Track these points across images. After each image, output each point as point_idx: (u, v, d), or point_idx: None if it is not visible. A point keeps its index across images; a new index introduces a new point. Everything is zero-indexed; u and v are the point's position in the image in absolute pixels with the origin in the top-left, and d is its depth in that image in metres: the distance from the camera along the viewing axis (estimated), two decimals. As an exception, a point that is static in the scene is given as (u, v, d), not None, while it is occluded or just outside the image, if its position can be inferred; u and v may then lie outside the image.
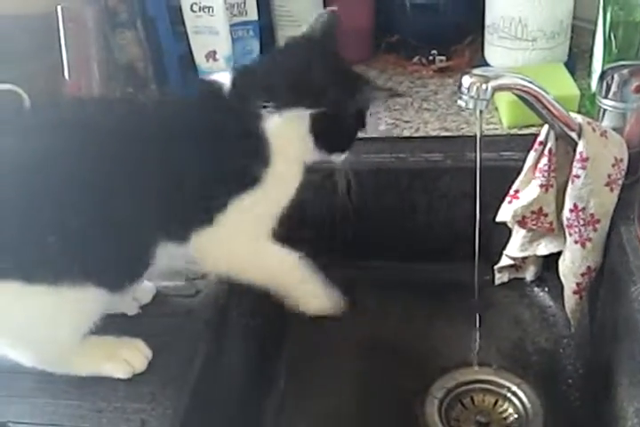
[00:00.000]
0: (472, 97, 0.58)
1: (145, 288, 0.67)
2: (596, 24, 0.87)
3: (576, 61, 0.99)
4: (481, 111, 0.60)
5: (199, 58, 0.98)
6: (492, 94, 0.58)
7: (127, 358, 0.59)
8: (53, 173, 0.52)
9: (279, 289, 0.62)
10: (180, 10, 0.95)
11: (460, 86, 0.59)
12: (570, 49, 0.99)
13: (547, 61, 0.94)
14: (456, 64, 1.01)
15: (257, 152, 0.59)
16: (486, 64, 0.98)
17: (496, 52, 0.96)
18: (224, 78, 0.61)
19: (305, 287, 0.64)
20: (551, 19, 0.93)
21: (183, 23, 0.96)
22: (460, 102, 0.59)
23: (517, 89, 0.61)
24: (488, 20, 0.96)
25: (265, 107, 0.58)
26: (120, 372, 0.59)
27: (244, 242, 0.61)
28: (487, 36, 0.98)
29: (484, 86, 0.58)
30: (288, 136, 0.60)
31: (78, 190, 0.52)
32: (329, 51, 0.63)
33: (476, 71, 0.59)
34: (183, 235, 0.58)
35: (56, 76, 0.93)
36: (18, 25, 0.94)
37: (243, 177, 0.58)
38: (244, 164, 0.58)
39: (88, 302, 0.55)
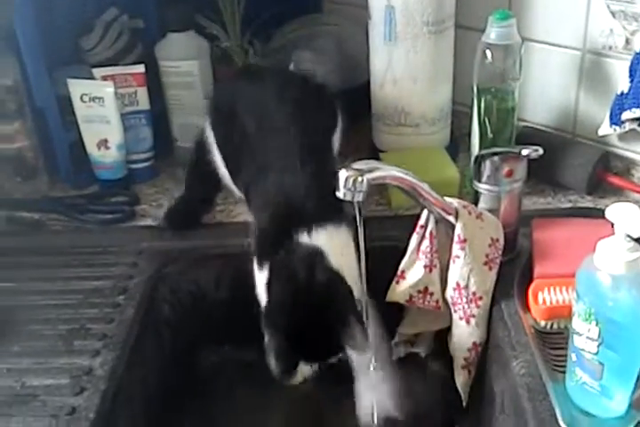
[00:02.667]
0: (349, 189, 0.61)
1: None
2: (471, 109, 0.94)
3: (458, 144, 1.06)
4: (358, 202, 0.63)
5: (90, 146, 0.98)
6: (368, 186, 0.62)
7: None
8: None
9: None
10: (70, 100, 0.97)
11: (337, 180, 0.62)
12: (452, 132, 1.06)
13: (430, 145, 1.00)
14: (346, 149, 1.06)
15: None
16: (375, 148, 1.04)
17: (383, 137, 1.02)
18: None
19: None
20: (431, 107, 0.99)
21: (73, 112, 0.97)
22: (338, 194, 0.62)
23: (392, 180, 0.65)
24: (374, 109, 1.02)
25: None
26: None
27: None
28: (374, 123, 1.03)
29: (359, 179, 0.61)
30: None
31: None
32: None
33: (354, 165, 0.62)
34: None
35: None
36: None
37: None
38: None
39: None
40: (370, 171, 0.62)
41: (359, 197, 0.62)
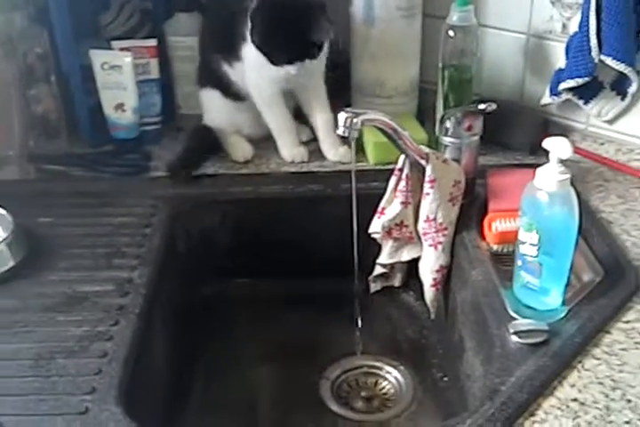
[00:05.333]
0: (347, 127, 0.78)
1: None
2: (437, 84, 1.12)
3: (424, 114, 1.23)
4: (354, 138, 0.80)
5: (108, 109, 1.13)
6: (362, 125, 0.78)
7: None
8: None
9: None
10: (91, 68, 1.11)
11: (337, 120, 0.78)
12: (419, 105, 1.24)
13: (402, 114, 1.17)
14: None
15: None
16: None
17: (360, 106, 1.18)
18: None
19: None
20: (403, 80, 1.17)
21: (93, 79, 1.12)
22: (337, 132, 0.79)
23: (379, 123, 0.82)
24: (353, 81, 1.19)
25: None
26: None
27: None
28: (353, 94, 1.20)
29: (355, 120, 0.78)
30: None
31: None
32: None
33: (349, 109, 0.79)
34: None
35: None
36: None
37: None
38: None
39: None
40: (363, 113, 0.79)
41: (354, 134, 0.79)
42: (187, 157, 1.10)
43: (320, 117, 1.11)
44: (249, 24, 0.99)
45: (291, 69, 0.99)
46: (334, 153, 1.11)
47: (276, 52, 0.99)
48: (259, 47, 0.99)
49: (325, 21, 0.99)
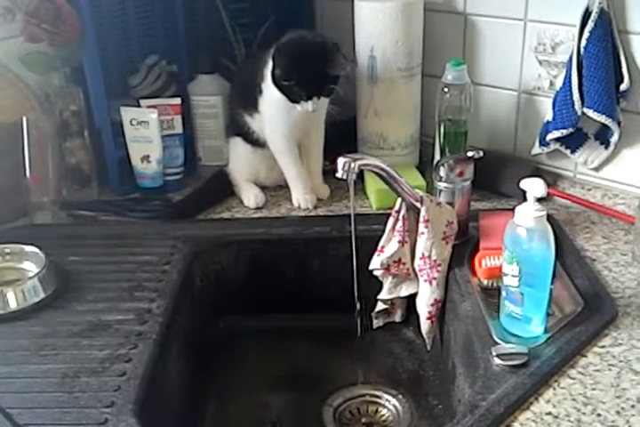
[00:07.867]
0: (345, 171, 0.88)
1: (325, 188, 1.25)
2: (434, 138, 1.22)
3: (425, 165, 1.32)
4: (352, 182, 0.89)
5: (135, 161, 1.24)
6: (359, 169, 0.88)
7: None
8: None
9: None
10: (121, 123, 1.23)
11: (337, 164, 0.88)
12: (420, 157, 1.34)
13: (403, 164, 1.27)
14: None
15: None
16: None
17: (365, 156, 1.29)
18: None
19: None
20: (404, 133, 1.27)
21: (122, 134, 1.23)
22: (337, 175, 0.88)
23: (375, 167, 0.91)
24: (359, 135, 1.30)
25: None
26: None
27: None
28: (359, 146, 1.30)
29: (352, 164, 0.88)
30: None
31: None
32: None
33: (348, 155, 0.89)
34: None
35: (18, 173, 1.16)
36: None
37: None
38: None
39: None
40: (360, 159, 0.88)
41: (352, 178, 0.88)
42: (194, 198, 1.23)
43: (313, 162, 1.24)
44: (270, 66, 1.11)
45: (308, 106, 1.10)
46: (320, 192, 1.25)
47: (296, 88, 1.09)
48: (279, 86, 1.10)
49: (339, 58, 1.11)
